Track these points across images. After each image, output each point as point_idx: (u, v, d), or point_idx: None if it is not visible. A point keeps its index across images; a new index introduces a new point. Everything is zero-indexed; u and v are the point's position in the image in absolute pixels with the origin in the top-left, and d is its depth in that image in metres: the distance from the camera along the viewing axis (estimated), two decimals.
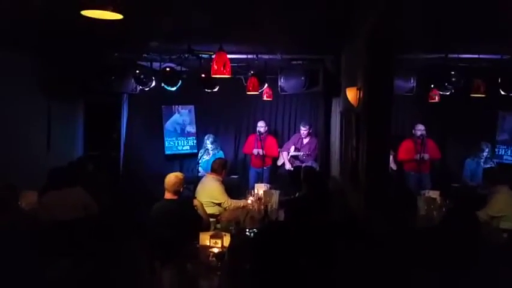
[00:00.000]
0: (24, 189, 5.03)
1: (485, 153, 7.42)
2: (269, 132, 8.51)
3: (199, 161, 7.90)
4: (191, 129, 8.95)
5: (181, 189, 4.64)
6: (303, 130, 8.08)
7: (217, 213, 5.47)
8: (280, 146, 8.50)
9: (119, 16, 3.32)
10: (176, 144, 8.87)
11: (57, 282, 2.98)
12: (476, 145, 7.55)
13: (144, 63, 7.15)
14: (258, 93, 7.24)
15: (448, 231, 3.29)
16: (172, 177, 4.58)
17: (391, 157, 6.94)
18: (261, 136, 7.93)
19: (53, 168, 5.11)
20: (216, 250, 3.59)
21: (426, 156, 7.36)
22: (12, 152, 6.42)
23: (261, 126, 8.04)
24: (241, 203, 5.69)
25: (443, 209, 5.00)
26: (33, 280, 3.03)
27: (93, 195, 4.92)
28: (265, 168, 7.97)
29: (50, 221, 4.48)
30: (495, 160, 7.68)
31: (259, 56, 6.65)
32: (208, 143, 8.12)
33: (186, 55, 6.43)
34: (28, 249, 3.65)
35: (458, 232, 3.22)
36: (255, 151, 7.99)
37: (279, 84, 6.99)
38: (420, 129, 7.42)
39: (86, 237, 4.01)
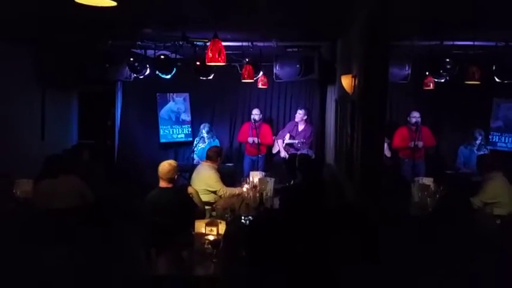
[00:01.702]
0: (18, 178, 5.03)
1: (478, 141, 7.46)
2: (264, 119, 8.51)
3: (195, 149, 7.90)
4: (186, 117, 8.93)
5: (176, 177, 4.64)
6: (299, 114, 8.08)
7: (213, 201, 5.48)
8: (275, 133, 8.50)
9: (113, 3, 3.30)
10: (171, 133, 8.85)
11: (53, 270, 2.99)
12: (470, 132, 7.59)
13: (138, 50, 7.11)
14: (253, 81, 7.21)
15: (442, 218, 3.32)
16: (165, 165, 4.58)
17: (385, 144, 6.97)
18: (256, 124, 7.94)
19: (49, 156, 5.11)
20: (211, 238, 3.60)
21: (420, 143, 7.39)
22: (6, 140, 6.40)
23: (256, 114, 8.04)
24: (236, 190, 5.70)
25: (437, 196, 5.03)
26: (30, 268, 3.04)
27: (88, 184, 4.92)
28: (260, 156, 7.98)
29: (46, 209, 4.49)
30: (489, 147, 7.73)
31: (254, 43, 6.62)
32: (204, 132, 8.11)
33: (181, 42, 6.39)
34: (24, 238, 3.65)
35: (452, 218, 3.24)
36: (250, 139, 7.99)
37: (274, 71, 6.97)
38: (415, 116, 7.43)
39: (82, 226, 4.02)
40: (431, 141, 7.68)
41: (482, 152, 7.29)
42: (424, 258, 2.90)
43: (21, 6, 4.79)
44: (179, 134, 8.89)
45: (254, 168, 7.70)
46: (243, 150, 8.58)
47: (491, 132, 8.06)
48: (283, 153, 8.11)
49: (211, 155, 5.83)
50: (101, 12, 3.66)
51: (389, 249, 2.98)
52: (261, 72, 7.47)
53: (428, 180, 5.65)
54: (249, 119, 8.20)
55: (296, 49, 7.04)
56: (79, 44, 6.60)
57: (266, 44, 6.64)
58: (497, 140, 8.04)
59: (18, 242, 3.58)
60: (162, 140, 8.80)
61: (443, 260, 2.88)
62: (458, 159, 7.58)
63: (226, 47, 4.91)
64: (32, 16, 5.34)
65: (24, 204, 4.75)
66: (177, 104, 8.89)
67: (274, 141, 8.31)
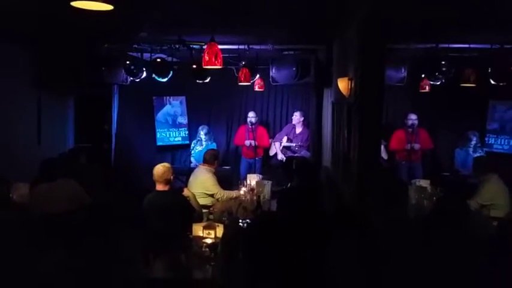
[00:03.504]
0: (15, 182, 5.00)
1: (473, 142, 7.50)
2: (261, 122, 8.53)
3: (192, 152, 7.90)
4: (183, 120, 8.93)
5: (172, 178, 4.63)
6: (295, 116, 8.10)
7: (210, 204, 5.48)
8: (272, 136, 8.51)
9: (109, 7, 3.30)
10: (168, 136, 8.85)
11: (50, 275, 2.98)
12: (464, 135, 7.62)
13: (134, 54, 7.10)
14: (249, 83, 7.23)
15: (438, 220, 3.33)
16: (160, 168, 4.57)
17: (382, 147, 6.98)
18: (252, 127, 7.94)
19: (45, 160, 5.08)
20: (209, 241, 3.60)
21: (417, 146, 7.41)
22: (2, 144, 6.38)
23: (252, 116, 8.04)
24: (233, 193, 5.71)
25: (434, 198, 5.04)
26: (26, 273, 3.02)
27: (85, 187, 4.91)
28: (257, 158, 7.99)
29: (42, 214, 4.47)
30: (485, 149, 7.76)
31: (250, 46, 6.63)
32: (202, 133, 8.11)
33: (177, 46, 6.40)
34: (20, 242, 3.63)
35: (449, 221, 3.25)
36: (247, 142, 8.00)
37: (271, 74, 6.98)
38: (411, 118, 7.45)
39: (78, 230, 4.00)
40: (428, 143, 7.69)
41: (478, 154, 7.32)
42: (420, 261, 2.90)
43: (17, 9, 4.78)
44: (176, 137, 8.89)
45: (251, 171, 7.70)
46: (240, 153, 8.59)
47: (487, 135, 8.10)
48: (280, 156, 8.12)
49: (208, 158, 5.82)
50: (97, 15, 3.66)
51: (386, 251, 2.98)
52: (258, 75, 7.49)
53: (425, 183, 5.67)
54: (246, 122, 8.21)
55: (292, 52, 7.05)
56: (75, 48, 6.59)
57: (262, 47, 6.65)
58: (493, 142, 8.07)
59: (14, 246, 3.56)
60: (159, 143, 8.80)
61: (440, 263, 2.88)
62: (456, 161, 7.61)
63: (222, 50, 4.92)
64: (28, 19, 5.34)
65: (20, 208, 4.72)
66: (173, 107, 8.89)
67: (270, 143, 8.32)
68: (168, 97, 8.83)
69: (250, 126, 7.95)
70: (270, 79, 7.04)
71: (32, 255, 3.20)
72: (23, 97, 7.07)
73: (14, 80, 6.82)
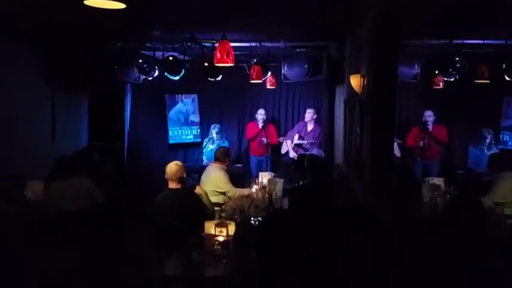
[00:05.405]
0: (29, 179, 5.06)
1: (488, 140, 7.38)
2: (273, 120, 8.54)
3: (204, 150, 7.91)
4: (195, 118, 8.95)
5: (184, 176, 4.65)
6: (308, 113, 8.07)
7: (222, 202, 5.48)
8: (284, 134, 8.49)
9: (122, 5, 3.32)
10: (180, 134, 8.88)
11: (63, 272, 3.00)
12: (478, 132, 7.52)
13: (147, 52, 7.14)
14: (261, 81, 7.21)
15: (452, 218, 3.30)
16: (173, 166, 4.59)
17: (395, 144, 6.93)
18: (263, 124, 7.92)
19: (58, 158, 5.12)
20: (221, 239, 3.60)
21: (430, 123, 7.30)
22: (17, 142, 6.45)
23: (264, 114, 8.03)
24: (245, 191, 5.71)
25: (447, 196, 5.00)
26: (40, 270, 3.05)
27: (98, 185, 4.94)
28: (267, 155, 7.97)
29: (56, 211, 4.51)
30: (499, 146, 7.66)
31: (262, 44, 6.62)
32: (213, 132, 8.12)
33: (189, 44, 6.41)
34: (34, 239, 3.67)
35: (462, 218, 3.22)
36: (263, 139, 7.97)
37: (283, 72, 6.97)
38: (425, 115, 7.39)
39: (92, 227, 4.03)
40: (443, 136, 7.59)
41: (492, 151, 7.22)
42: (434, 258, 2.88)
43: (31, 7, 4.82)
44: (188, 135, 8.91)
45: (261, 168, 7.69)
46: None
47: (502, 132, 7.99)
48: (292, 154, 8.10)
49: (220, 156, 5.83)
50: (110, 14, 3.69)
51: (399, 249, 2.96)
52: (269, 73, 7.47)
53: (439, 180, 5.62)
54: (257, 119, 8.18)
55: (304, 49, 7.03)
56: (88, 46, 6.64)
57: (274, 44, 6.64)
58: (507, 139, 7.97)
59: (28, 243, 3.60)
60: (171, 141, 8.83)
61: (454, 261, 2.86)
62: (469, 159, 7.51)
63: (234, 47, 4.91)
64: (41, 18, 5.38)
65: (34, 205, 4.78)
66: (185, 105, 8.91)
67: (282, 141, 8.30)
68: (180, 95, 8.85)
69: (261, 124, 7.93)
70: (282, 76, 7.03)
71: (45, 253, 3.23)
72: (37, 95, 7.14)
73: (29, 79, 6.89)
